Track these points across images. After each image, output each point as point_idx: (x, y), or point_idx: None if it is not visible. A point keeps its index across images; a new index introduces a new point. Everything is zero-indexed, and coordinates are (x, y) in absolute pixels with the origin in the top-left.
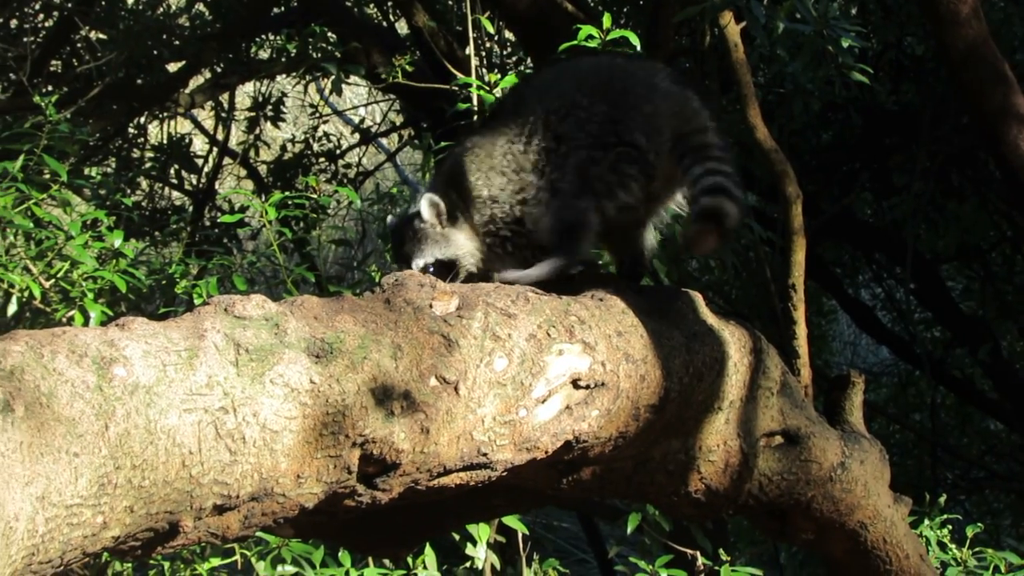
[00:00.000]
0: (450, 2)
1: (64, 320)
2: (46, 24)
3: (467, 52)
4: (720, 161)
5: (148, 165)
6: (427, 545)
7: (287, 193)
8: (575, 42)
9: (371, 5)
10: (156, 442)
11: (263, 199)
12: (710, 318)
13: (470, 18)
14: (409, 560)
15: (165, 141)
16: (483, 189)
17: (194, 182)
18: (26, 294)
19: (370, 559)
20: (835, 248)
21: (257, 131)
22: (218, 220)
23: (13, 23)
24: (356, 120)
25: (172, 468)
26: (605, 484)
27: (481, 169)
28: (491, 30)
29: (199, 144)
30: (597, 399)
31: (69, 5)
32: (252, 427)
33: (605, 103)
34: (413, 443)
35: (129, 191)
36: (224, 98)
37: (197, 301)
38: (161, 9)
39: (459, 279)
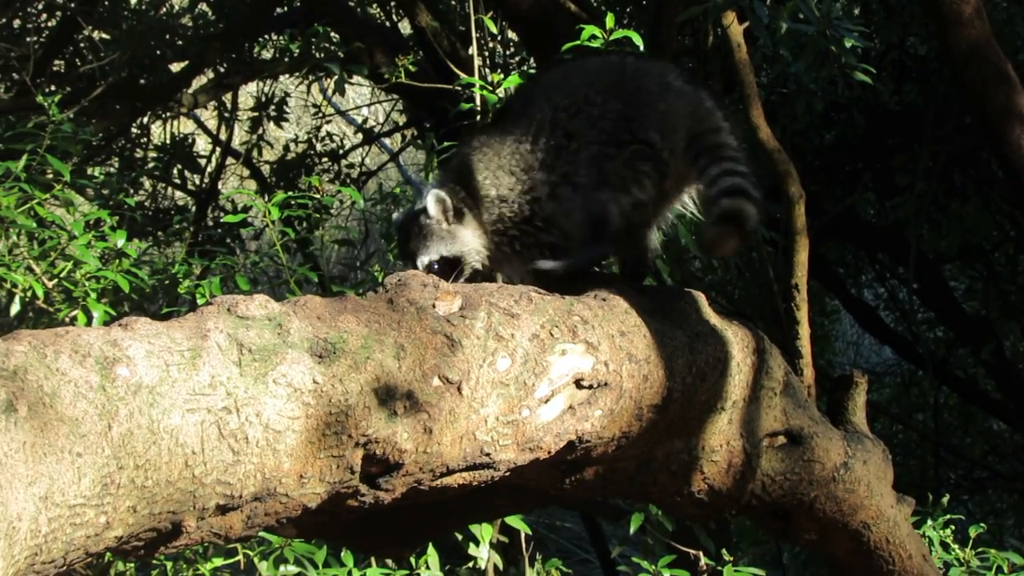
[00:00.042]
0: (453, 2)
1: (67, 320)
2: (49, 24)
3: (470, 52)
4: (736, 162)
5: (151, 165)
6: (430, 545)
7: (290, 193)
8: (578, 42)
9: (374, 5)
10: (159, 442)
11: (266, 199)
12: (713, 318)
13: (473, 18)
14: (412, 560)
15: (168, 141)
16: (491, 188)
17: (197, 182)
18: (29, 294)
19: (373, 559)
20: (838, 248)
21: (260, 131)
22: (221, 220)
23: (16, 23)
24: (359, 120)
25: (175, 468)
26: (608, 484)
27: (489, 168)
28: (494, 30)
29: (202, 144)
30: (600, 399)
31: (72, 5)
32: (255, 427)
33: (619, 100)
34: (416, 443)
35: (132, 191)
36: (227, 98)
37: (200, 301)
38: (164, 9)
39: (464, 277)
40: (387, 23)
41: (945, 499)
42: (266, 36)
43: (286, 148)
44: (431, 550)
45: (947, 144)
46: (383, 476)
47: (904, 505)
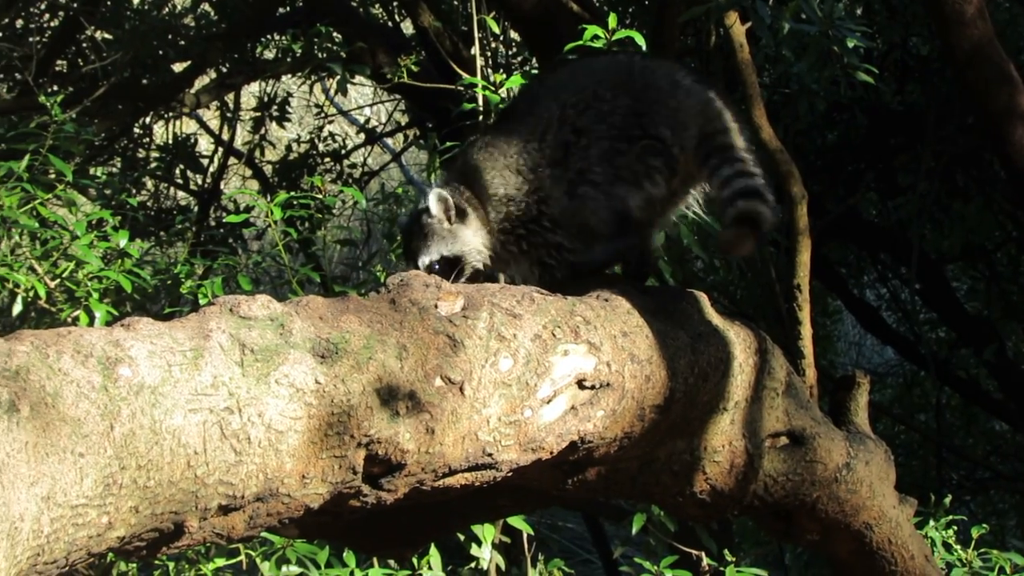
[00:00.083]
0: (455, 2)
1: (69, 320)
2: (52, 24)
3: (472, 52)
4: (748, 163)
5: (153, 165)
6: (432, 545)
7: (292, 193)
8: (581, 42)
9: (376, 5)
10: (161, 442)
11: (268, 199)
12: (715, 318)
13: (475, 18)
14: (414, 560)
15: (170, 141)
16: (499, 188)
17: (199, 182)
18: (31, 294)
19: (375, 559)
20: (840, 248)
21: (262, 131)
22: (223, 220)
23: (19, 23)
24: (361, 120)
25: (177, 468)
26: (610, 484)
27: (496, 168)
28: (496, 30)
29: (204, 144)
30: (602, 399)
31: (75, 5)
32: (257, 427)
33: (628, 97)
34: (418, 443)
35: (134, 191)
36: (229, 98)
37: (202, 301)
38: (166, 9)
39: (464, 277)
40: (389, 23)
41: (947, 500)
42: (268, 36)
43: (288, 148)
44: (433, 550)
45: (949, 144)
46: (385, 476)
47: (906, 506)
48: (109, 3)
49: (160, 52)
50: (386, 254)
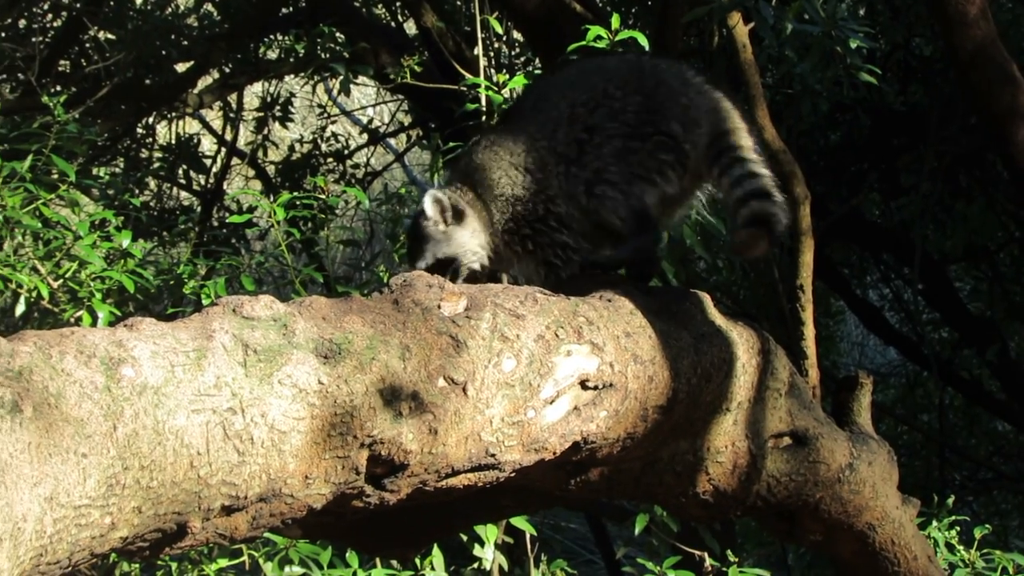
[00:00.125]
0: (458, 2)
1: (72, 320)
2: (54, 24)
3: (475, 52)
4: (759, 164)
5: (156, 165)
6: (435, 546)
7: (295, 193)
8: (584, 43)
9: (379, 5)
10: (164, 443)
11: (271, 199)
12: (718, 319)
13: (478, 18)
14: (417, 561)
15: (173, 141)
16: (505, 187)
17: (202, 182)
18: (34, 294)
19: (378, 560)
20: (843, 249)
21: (265, 131)
22: (226, 220)
23: (22, 23)
24: (364, 120)
25: (180, 469)
26: (613, 485)
27: (502, 167)
28: (499, 30)
29: (207, 144)
30: (605, 400)
31: (77, 5)
32: (260, 428)
33: (639, 94)
34: (421, 444)
35: (137, 191)
36: (232, 98)
37: (205, 301)
38: (169, 9)
39: (460, 278)
40: (392, 23)
41: (950, 500)
42: (271, 36)
43: (291, 148)
44: (436, 551)
45: (952, 145)
46: (388, 477)
47: (909, 506)
48: (112, 3)
49: (163, 52)
50: (389, 254)
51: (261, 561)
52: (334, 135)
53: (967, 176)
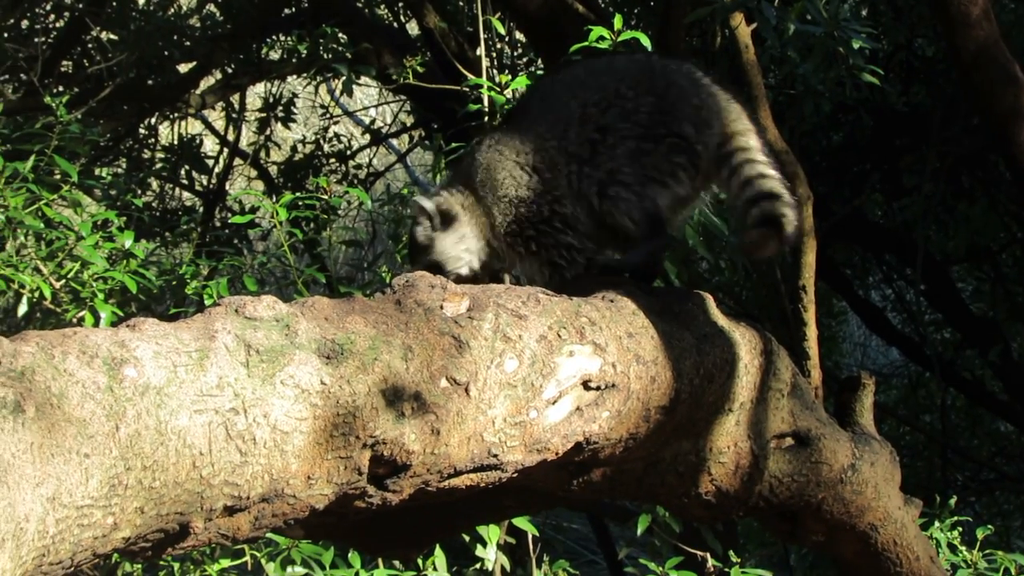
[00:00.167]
0: (461, 3)
1: (74, 321)
2: (57, 25)
3: (478, 53)
4: (769, 165)
5: (159, 166)
6: (437, 546)
7: (298, 194)
8: (586, 43)
9: (382, 6)
10: (167, 443)
11: (274, 200)
12: (721, 319)
13: (481, 19)
14: (419, 561)
15: (176, 142)
16: (510, 188)
17: (205, 183)
18: (37, 295)
19: (380, 560)
20: (845, 249)
21: (268, 132)
22: (229, 221)
23: (24, 23)
24: (367, 121)
25: (183, 469)
26: (615, 485)
27: (507, 167)
28: (502, 31)
29: (210, 145)
30: (608, 400)
31: (80, 6)
32: (263, 428)
33: (651, 95)
34: (423, 444)
35: (140, 192)
36: (235, 99)
37: (207, 302)
38: (172, 10)
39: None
40: (395, 24)
41: (952, 501)
42: (274, 37)
43: (294, 149)
44: (438, 551)
45: (955, 145)
46: (391, 477)
47: (911, 507)
48: (114, 4)
49: (165, 53)
50: (391, 255)
51: (263, 561)
52: (336, 136)
53: (969, 177)
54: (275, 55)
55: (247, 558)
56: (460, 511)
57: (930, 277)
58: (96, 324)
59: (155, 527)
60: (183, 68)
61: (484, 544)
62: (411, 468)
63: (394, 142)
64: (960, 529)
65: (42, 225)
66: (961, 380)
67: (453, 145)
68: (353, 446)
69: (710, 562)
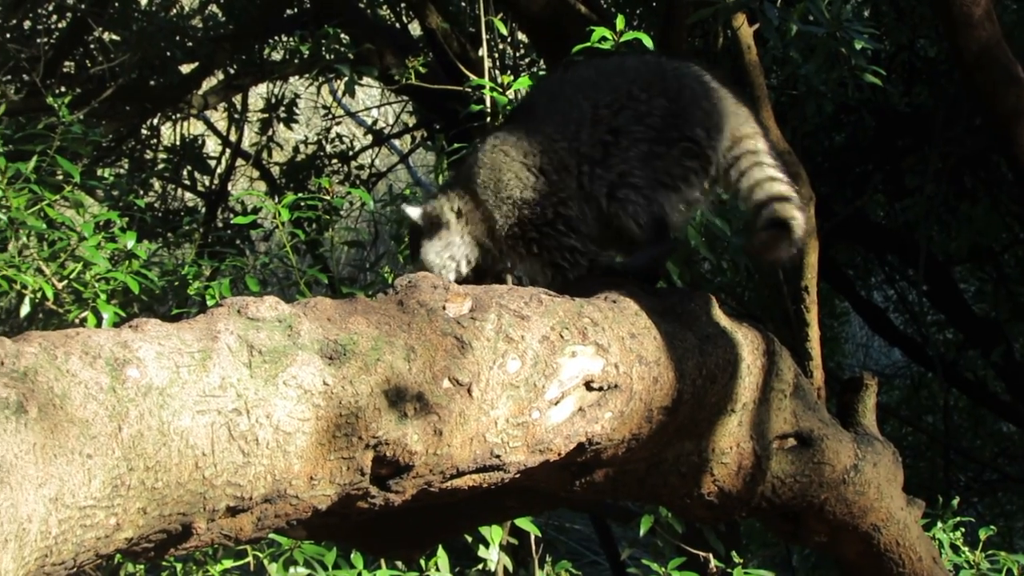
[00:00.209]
0: (463, 4)
1: (77, 321)
2: (59, 25)
3: (480, 53)
4: (778, 168)
5: (161, 166)
6: (440, 547)
7: (300, 194)
8: (589, 43)
9: (384, 6)
10: (169, 444)
11: (276, 200)
12: (723, 320)
13: (483, 20)
14: (422, 562)
15: (178, 142)
16: (515, 190)
17: (207, 183)
18: (39, 295)
19: (382, 561)
20: (848, 250)
21: (270, 132)
22: (231, 221)
23: (26, 24)
24: (369, 121)
25: (185, 470)
26: (618, 486)
27: (513, 169)
28: (504, 32)
29: (212, 145)
30: (610, 401)
31: (82, 6)
32: (265, 429)
33: (663, 98)
34: (426, 445)
35: (142, 192)
36: (237, 99)
37: (210, 302)
38: (174, 10)
39: None
40: (397, 24)
41: (955, 501)
42: (276, 37)
43: (296, 149)
44: (441, 552)
45: (957, 146)
46: (393, 478)
47: (914, 507)
48: (117, 4)
49: (168, 53)
50: (393, 255)
51: (266, 562)
52: (339, 136)
53: (972, 177)
54: (277, 56)
55: (250, 559)
56: (462, 512)
57: (932, 278)
58: (98, 325)
59: (158, 528)
60: (185, 69)
61: (487, 545)
62: (414, 469)
63: (396, 143)
64: (963, 530)
65: (44, 226)
66: (963, 381)
67: (455, 146)
68: (356, 447)
69: (712, 563)
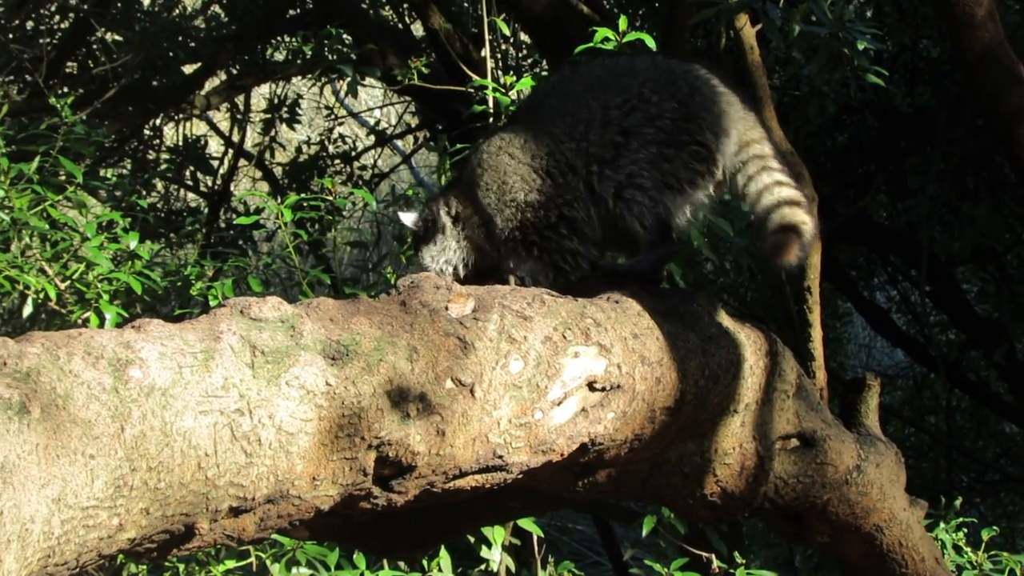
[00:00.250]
0: (466, 4)
1: (79, 322)
2: (62, 26)
3: (483, 54)
4: (784, 172)
5: (163, 167)
6: (442, 547)
7: (302, 195)
8: (591, 44)
9: (387, 7)
10: (172, 444)
11: (278, 201)
12: (726, 321)
13: (486, 20)
14: (424, 562)
15: (180, 143)
16: (519, 193)
17: (209, 184)
18: (42, 296)
19: (385, 561)
20: (850, 250)
21: (272, 133)
22: (233, 222)
23: (29, 24)
24: (371, 122)
25: (188, 470)
26: (620, 486)
27: (519, 171)
28: (507, 32)
29: (214, 146)
30: (613, 401)
31: (85, 7)
32: (268, 429)
33: (675, 100)
34: (429, 445)
35: (144, 193)
36: (239, 100)
37: (212, 303)
38: (177, 11)
39: None
40: (400, 25)
41: (958, 502)
42: (279, 38)
43: (298, 150)
44: (443, 552)
45: (959, 146)
46: (396, 478)
47: (917, 508)
48: (119, 5)
49: (170, 54)
50: (396, 256)
51: (268, 562)
52: (341, 137)
53: (974, 178)
54: (280, 56)
55: (252, 559)
56: (465, 512)
57: (935, 278)
58: (101, 325)
59: (160, 528)
60: (188, 69)
61: (489, 545)
62: (416, 469)
63: (399, 143)
64: (965, 530)
65: (47, 226)
66: (966, 381)
67: (458, 146)
68: (358, 447)
69: (715, 563)
